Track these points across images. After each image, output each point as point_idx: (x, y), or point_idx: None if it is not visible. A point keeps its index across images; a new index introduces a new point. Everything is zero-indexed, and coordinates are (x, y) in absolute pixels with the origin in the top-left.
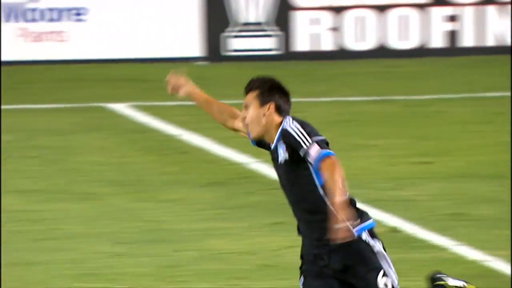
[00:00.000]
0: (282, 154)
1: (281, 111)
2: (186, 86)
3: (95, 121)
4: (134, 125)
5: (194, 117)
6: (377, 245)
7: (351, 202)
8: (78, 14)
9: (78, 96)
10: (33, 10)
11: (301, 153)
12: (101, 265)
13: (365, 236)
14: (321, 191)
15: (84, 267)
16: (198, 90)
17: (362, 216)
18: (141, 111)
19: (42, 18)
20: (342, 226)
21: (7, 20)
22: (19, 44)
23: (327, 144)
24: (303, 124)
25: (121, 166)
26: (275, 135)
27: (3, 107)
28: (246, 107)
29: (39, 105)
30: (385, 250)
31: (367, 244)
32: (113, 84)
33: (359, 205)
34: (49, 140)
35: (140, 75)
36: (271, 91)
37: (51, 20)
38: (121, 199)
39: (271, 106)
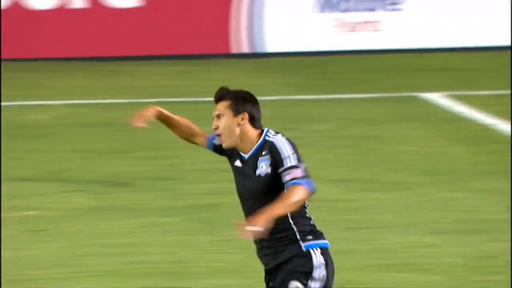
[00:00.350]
0: (264, 168)
1: (255, 121)
2: (151, 110)
3: (408, 111)
4: (448, 115)
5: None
6: (320, 263)
7: (307, 222)
8: (393, 4)
9: (391, 85)
10: (348, 0)
11: (281, 169)
12: (413, 254)
13: (313, 252)
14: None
15: (396, 256)
16: (164, 110)
17: (316, 235)
18: (456, 100)
19: (357, 8)
20: (253, 228)
21: (322, 10)
22: (335, 35)
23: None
24: (292, 144)
25: (434, 156)
26: (251, 145)
27: (315, 96)
28: (218, 116)
29: (352, 94)
30: (327, 277)
31: (311, 257)
32: (428, 73)
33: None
34: (361, 129)
35: (456, 64)
36: (245, 101)
37: (366, 10)
38: (433, 188)
39: (245, 116)
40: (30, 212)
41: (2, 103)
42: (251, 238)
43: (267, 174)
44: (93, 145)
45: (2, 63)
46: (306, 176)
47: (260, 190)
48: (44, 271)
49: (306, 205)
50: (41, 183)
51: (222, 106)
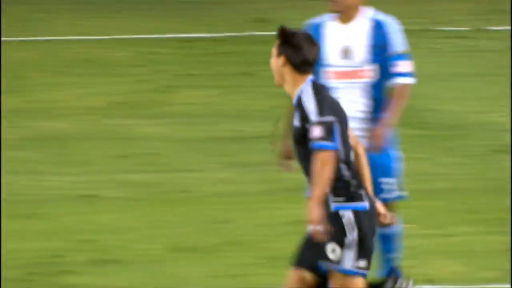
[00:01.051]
0: (296, 121)
1: (295, 66)
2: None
3: None
4: None
5: None
6: (351, 226)
7: (343, 179)
8: None
9: None
10: None
11: (308, 126)
12: None
13: (343, 212)
14: None
15: None
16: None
17: (349, 195)
18: None
19: None
20: (312, 227)
21: None
22: None
23: (332, 127)
24: (319, 97)
25: None
26: (292, 90)
27: None
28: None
29: None
30: (362, 240)
31: (340, 218)
32: None
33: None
34: None
35: None
36: (285, 44)
37: None
38: None
39: (282, 59)
40: None
41: None
42: (325, 236)
43: (297, 127)
44: None
45: None
46: (323, 136)
47: (295, 140)
48: None
49: (343, 161)
50: None
51: (275, 45)
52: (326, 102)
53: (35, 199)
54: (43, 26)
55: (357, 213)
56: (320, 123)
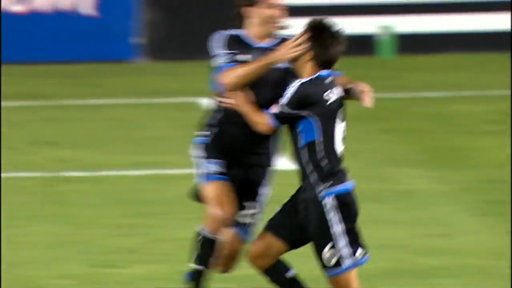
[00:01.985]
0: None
1: (319, 64)
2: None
3: None
4: None
5: None
6: (336, 217)
7: (326, 165)
8: None
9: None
10: None
11: None
12: None
13: (327, 201)
14: (302, 146)
15: None
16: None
17: (333, 178)
18: None
19: None
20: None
21: None
22: None
23: (283, 117)
24: (298, 90)
25: None
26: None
27: None
28: None
29: None
30: (347, 222)
31: (325, 212)
32: None
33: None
34: None
35: None
36: (314, 40)
37: None
38: None
39: (308, 55)
40: None
41: None
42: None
43: None
44: None
45: None
46: (275, 114)
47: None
48: None
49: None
50: None
51: (301, 36)
52: (296, 97)
53: None
54: None
55: (340, 197)
56: (282, 105)
